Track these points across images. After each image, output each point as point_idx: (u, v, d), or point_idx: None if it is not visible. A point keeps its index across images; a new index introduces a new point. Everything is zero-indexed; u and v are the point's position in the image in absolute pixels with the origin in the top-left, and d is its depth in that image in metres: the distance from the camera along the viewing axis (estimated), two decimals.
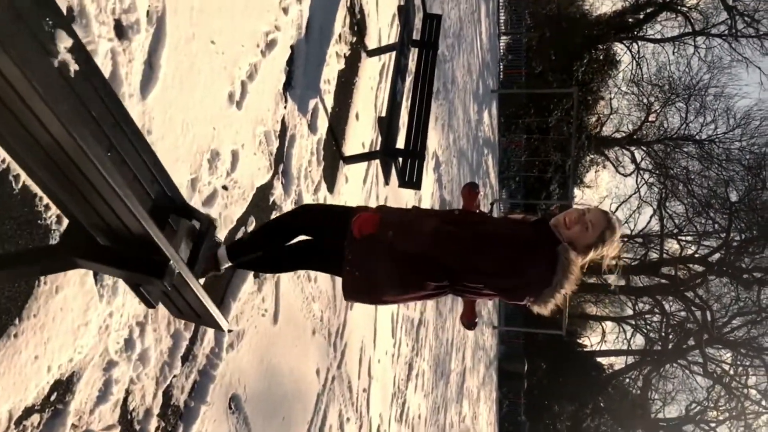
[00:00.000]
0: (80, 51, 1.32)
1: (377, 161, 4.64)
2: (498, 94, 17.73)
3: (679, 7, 24.52)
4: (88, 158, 1.00)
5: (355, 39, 4.85)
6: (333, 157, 4.31)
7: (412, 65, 5.29)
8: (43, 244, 1.71)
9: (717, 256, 25.20)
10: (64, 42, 1.25)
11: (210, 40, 2.67)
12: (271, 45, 3.27)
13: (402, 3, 5.09)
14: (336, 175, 4.37)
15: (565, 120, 22.57)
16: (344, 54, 4.58)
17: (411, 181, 4.24)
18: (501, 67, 19.63)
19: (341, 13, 4.52)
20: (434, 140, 8.20)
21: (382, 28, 5.54)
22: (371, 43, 5.20)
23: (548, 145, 22.06)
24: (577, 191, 27.30)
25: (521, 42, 21.03)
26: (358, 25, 4.95)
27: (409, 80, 5.61)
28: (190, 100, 2.50)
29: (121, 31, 2.12)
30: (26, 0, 1.20)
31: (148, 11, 2.26)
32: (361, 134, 4.89)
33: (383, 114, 5.18)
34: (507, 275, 2.20)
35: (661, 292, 26.49)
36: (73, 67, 1.28)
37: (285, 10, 3.47)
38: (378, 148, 4.73)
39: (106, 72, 2.03)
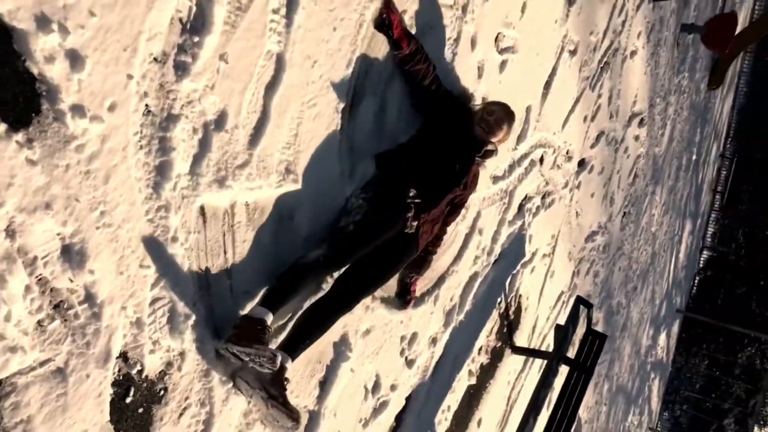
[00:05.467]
0: None
1: None
2: (683, 315, 15.95)
3: None
4: None
5: (500, 343, 4.42)
6: None
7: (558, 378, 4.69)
8: None
9: None
10: None
11: None
12: (378, 411, 2.96)
13: (562, 323, 4.58)
14: None
15: (758, 355, 19.68)
16: (480, 365, 4.16)
17: None
18: (695, 281, 17.74)
19: (489, 325, 4.15)
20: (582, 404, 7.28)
21: (540, 319, 5.06)
22: (521, 339, 4.73)
23: (733, 375, 19.24)
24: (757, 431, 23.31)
25: (728, 260, 18.96)
26: (510, 324, 4.53)
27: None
28: None
29: None
30: None
31: None
32: None
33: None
34: None
35: None
36: None
37: (409, 363, 3.17)
38: None
39: None
